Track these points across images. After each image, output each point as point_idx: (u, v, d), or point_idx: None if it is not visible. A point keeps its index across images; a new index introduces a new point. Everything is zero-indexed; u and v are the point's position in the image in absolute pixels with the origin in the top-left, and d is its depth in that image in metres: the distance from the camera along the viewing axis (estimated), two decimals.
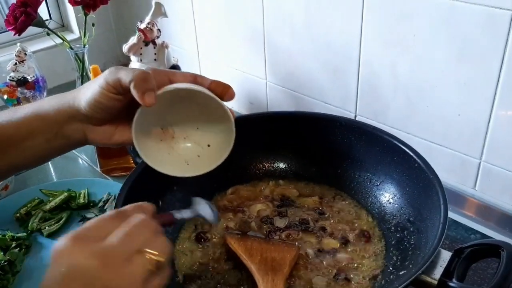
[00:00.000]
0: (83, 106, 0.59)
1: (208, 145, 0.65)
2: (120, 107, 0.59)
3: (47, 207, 0.94)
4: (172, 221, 0.59)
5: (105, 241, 0.44)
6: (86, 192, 0.98)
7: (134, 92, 0.54)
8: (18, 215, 0.93)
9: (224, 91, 0.61)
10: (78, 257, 0.42)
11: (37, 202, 0.96)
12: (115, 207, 0.66)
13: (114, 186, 0.98)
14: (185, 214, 0.61)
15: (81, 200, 0.96)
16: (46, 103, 0.61)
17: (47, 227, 0.90)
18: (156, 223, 0.49)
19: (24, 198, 0.96)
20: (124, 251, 0.44)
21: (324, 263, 0.70)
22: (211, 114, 0.62)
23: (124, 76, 0.55)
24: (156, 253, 0.45)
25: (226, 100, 0.62)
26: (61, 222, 0.91)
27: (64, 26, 1.49)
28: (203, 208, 0.63)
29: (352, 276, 0.68)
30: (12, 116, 0.61)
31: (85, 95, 0.59)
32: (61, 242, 0.44)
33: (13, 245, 0.85)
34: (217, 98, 0.60)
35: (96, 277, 0.42)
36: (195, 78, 0.61)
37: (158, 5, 1.12)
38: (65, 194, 0.97)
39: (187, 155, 0.64)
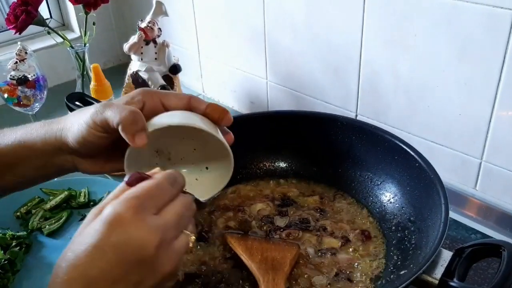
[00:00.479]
0: (70, 141, 0.57)
1: (207, 168, 0.62)
2: (108, 143, 0.57)
3: (48, 206, 0.94)
4: None
5: (161, 216, 0.44)
6: (87, 191, 0.98)
7: (123, 135, 0.53)
8: (18, 214, 0.93)
9: (221, 117, 0.58)
10: (139, 231, 0.41)
11: (37, 201, 0.96)
12: None
13: (115, 185, 0.96)
14: None
15: (82, 199, 0.96)
16: (33, 132, 0.59)
17: (47, 226, 0.90)
18: (195, 206, 0.50)
19: (24, 197, 0.96)
20: (178, 230, 0.45)
21: (325, 262, 0.70)
22: (209, 141, 0.59)
23: (112, 116, 0.53)
24: (194, 235, 0.47)
25: (223, 125, 0.59)
26: (61, 221, 0.91)
27: (64, 25, 1.49)
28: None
29: (352, 275, 0.68)
30: None
31: (71, 130, 0.57)
32: (121, 207, 0.42)
33: (13, 244, 0.86)
34: (215, 134, 0.57)
35: (153, 255, 0.41)
36: (189, 101, 0.58)
37: (159, 4, 1.12)
38: (66, 193, 0.97)
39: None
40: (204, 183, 0.62)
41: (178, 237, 0.45)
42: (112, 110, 0.53)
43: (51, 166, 0.59)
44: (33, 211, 0.94)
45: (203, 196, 0.61)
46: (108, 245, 0.41)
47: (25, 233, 0.89)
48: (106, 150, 0.59)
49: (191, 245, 0.47)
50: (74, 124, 0.57)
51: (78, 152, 0.58)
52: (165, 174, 0.48)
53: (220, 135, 0.58)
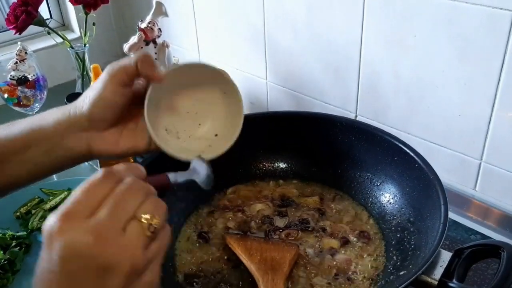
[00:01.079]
0: (86, 108, 0.57)
1: (216, 135, 0.67)
2: (124, 103, 0.58)
3: (47, 206, 0.94)
4: (166, 184, 0.54)
5: (96, 215, 0.41)
6: None
7: (142, 70, 0.55)
8: (18, 214, 0.93)
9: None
10: (71, 236, 0.39)
11: (37, 201, 0.96)
12: None
13: None
14: (180, 177, 0.56)
15: None
16: (48, 115, 0.60)
17: None
18: (147, 185, 0.45)
19: (24, 197, 0.96)
20: (117, 222, 0.41)
21: (324, 263, 0.70)
22: (214, 99, 0.65)
23: (127, 62, 0.56)
24: (149, 217, 0.42)
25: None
26: None
27: (65, 25, 1.49)
28: (199, 169, 0.60)
29: (352, 276, 0.68)
30: (10, 129, 0.59)
31: (87, 97, 0.58)
32: (50, 222, 0.40)
33: (13, 244, 0.86)
34: (220, 69, 0.63)
35: (94, 255, 0.39)
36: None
37: (159, 5, 1.12)
38: (65, 193, 0.97)
39: (197, 149, 0.64)
40: (217, 145, 0.66)
41: (126, 226, 0.41)
42: (125, 58, 0.57)
43: (62, 149, 0.58)
44: (33, 211, 0.94)
45: (218, 152, 0.64)
46: (53, 260, 0.39)
47: (25, 233, 0.89)
48: (120, 122, 0.60)
49: (149, 230, 0.42)
50: (90, 92, 0.58)
51: (92, 122, 0.58)
52: (102, 170, 0.45)
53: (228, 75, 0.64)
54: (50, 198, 0.97)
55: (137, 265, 0.41)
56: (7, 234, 0.87)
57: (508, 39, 0.75)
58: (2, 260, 0.81)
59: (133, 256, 0.40)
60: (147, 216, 0.42)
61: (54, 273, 0.39)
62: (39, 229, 0.90)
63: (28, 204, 0.95)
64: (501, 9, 0.74)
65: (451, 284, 0.57)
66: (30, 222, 0.91)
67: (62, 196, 0.96)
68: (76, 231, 0.39)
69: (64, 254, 0.38)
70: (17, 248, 0.85)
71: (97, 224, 0.40)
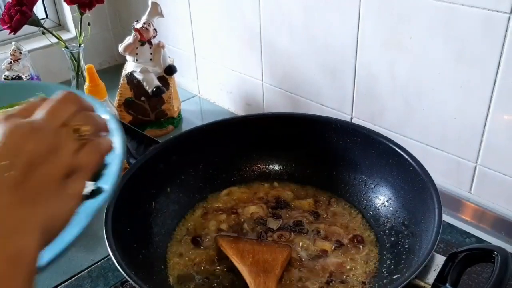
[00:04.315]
0: None
1: None
2: None
3: None
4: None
5: (32, 116, 0.42)
6: None
7: None
8: None
9: None
10: (11, 122, 0.40)
11: None
12: (107, 208, 0.65)
13: None
14: None
15: None
16: None
17: None
18: (84, 100, 0.46)
19: None
20: (51, 124, 0.42)
21: (318, 266, 0.69)
22: None
23: None
24: (79, 124, 0.44)
25: None
26: None
27: (60, 25, 1.49)
28: None
29: (345, 279, 0.67)
30: None
31: None
32: None
33: None
34: None
35: (28, 141, 0.40)
36: None
37: (155, 5, 1.11)
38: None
39: None
40: None
41: (56, 130, 0.42)
42: None
43: None
44: None
45: None
46: None
47: None
48: None
49: (77, 134, 0.44)
50: None
51: None
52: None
53: None
54: None
55: (63, 166, 0.42)
56: None
57: (504, 42, 0.75)
58: None
59: (60, 155, 0.42)
60: (77, 123, 0.44)
61: None
62: None
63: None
64: (497, 11, 0.73)
65: None
66: None
67: None
68: (16, 120, 0.41)
69: (2, 138, 0.39)
70: None
71: (33, 121, 0.42)
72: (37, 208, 0.39)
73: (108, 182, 0.47)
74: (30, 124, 0.41)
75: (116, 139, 0.50)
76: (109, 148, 0.46)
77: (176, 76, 1.22)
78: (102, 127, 0.46)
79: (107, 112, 0.56)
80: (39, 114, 0.43)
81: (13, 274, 0.36)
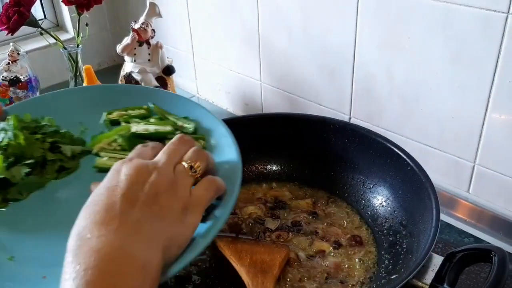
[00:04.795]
0: None
1: None
2: None
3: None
4: None
5: (154, 159, 0.50)
6: None
7: None
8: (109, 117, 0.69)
9: None
10: (138, 163, 0.47)
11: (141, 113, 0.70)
12: None
13: None
14: None
15: None
16: None
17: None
18: (191, 139, 0.54)
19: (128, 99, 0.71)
20: (169, 164, 0.49)
21: (316, 266, 0.69)
22: None
23: None
24: (191, 161, 0.50)
25: None
26: None
27: (58, 25, 1.48)
28: None
29: (343, 280, 0.67)
30: None
31: None
32: (119, 161, 0.49)
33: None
34: None
35: (151, 179, 0.46)
36: None
37: (153, 5, 1.11)
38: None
39: None
40: None
41: (174, 168, 0.49)
42: None
43: None
44: (122, 122, 0.68)
45: None
46: (118, 181, 0.46)
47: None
48: None
49: (191, 171, 0.49)
50: None
51: None
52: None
53: None
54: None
55: (183, 198, 0.47)
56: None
57: (501, 41, 0.75)
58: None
59: (179, 189, 0.47)
60: (189, 161, 0.50)
61: (117, 187, 0.45)
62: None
63: (127, 111, 0.69)
64: (494, 11, 0.73)
65: None
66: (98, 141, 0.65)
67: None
68: (141, 161, 0.48)
69: (131, 173, 0.46)
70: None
71: (155, 162, 0.49)
72: (162, 224, 0.44)
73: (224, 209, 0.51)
74: (153, 163, 0.48)
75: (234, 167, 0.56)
76: (222, 187, 0.52)
77: (174, 77, 1.22)
78: (212, 163, 0.53)
79: (227, 132, 0.62)
80: (158, 156, 0.50)
81: (143, 282, 0.40)
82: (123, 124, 0.66)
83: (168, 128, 0.64)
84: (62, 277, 0.39)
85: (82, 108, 0.68)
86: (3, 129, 0.59)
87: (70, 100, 0.70)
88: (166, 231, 0.45)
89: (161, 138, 0.62)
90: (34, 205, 0.56)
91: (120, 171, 0.47)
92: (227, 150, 0.60)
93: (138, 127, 0.64)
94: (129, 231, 0.42)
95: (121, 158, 0.52)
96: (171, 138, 0.57)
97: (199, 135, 0.64)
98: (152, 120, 0.66)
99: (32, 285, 0.47)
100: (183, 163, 0.50)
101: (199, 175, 0.50)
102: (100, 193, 0.45)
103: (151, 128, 0.64)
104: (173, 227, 0.45)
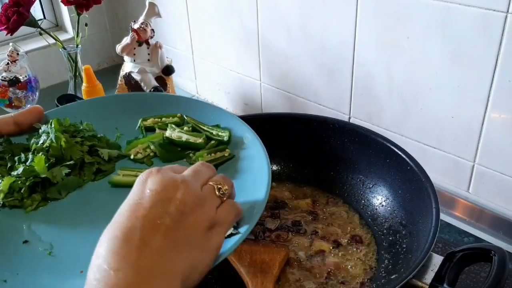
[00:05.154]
0: None
1: None
2: None
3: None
4: None
5: (181, 173, 0.48)
6: None
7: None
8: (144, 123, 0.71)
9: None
10: (165, 174, 0.46)
11: (175, 120, 0.71)
12: None
13: None
14: None
15: None
16: None
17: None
18: (214, 169, 0.53)
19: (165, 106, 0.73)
20: (196, 181, 0.47)
21: (316, 266, 0.69)
22: None
23: None
24: (218, 183, 0.49)
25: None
26: None
27: (58, 25, 1.48)
28: None
29: (343, 279, 0.67)
30: None
31: None
32: (145, 171, 0.47)
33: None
34: None
35: (178, 195, 0.44)
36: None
37: (152, 5, 1.11)
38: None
39: None
40: None
41: (201, 187, 0.48)
42: None
43: None
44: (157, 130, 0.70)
45: None
46: (143, 196, 0.45)
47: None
48: None
49: (219, 192, 0.49)
50: None
51: None
52: None
53: None
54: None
55: (209, 218, 0.45)
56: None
57: (501, 41, 0.75)
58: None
59: (206, 207, 0.46)
60: (217, 183, 0.49)
61: (140, 205, 0.43)
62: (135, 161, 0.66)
63: (162, 118, 0.71)
64: (494, 10, 0.73)
65: None
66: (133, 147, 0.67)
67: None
68: (169, 174, 0.46)
69: (156, 188, 0.44)
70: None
71: (183, 176, 0.47)
72: (182, 255, 0.42)
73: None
74: (181, 177, 0.46)
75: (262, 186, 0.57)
76: (241, 213, 0.51)
77: (174, 77, 1.22)
78: (233, 191, 0.52)
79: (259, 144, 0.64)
80: (186, 172, 0.49)
81: None
82: (158, 131, 0.68)
83: (200, 140, 0.66)
84: None
85: (118, 115, 0.71)
86: (45, 132, 0.62)
87: (106, 106, 0.73)
88: (188, 260, 0.43)
89: (192, 148, 0.65)
90: (72, 204, 0.59)
91: (146, 184, 0.45)
92: (255, 156, 0.63)
93: (172, 133, 0.67)
94: (148, 265, 0.40)
95: (136, 176, 0.53)
96: (201, 149, 0.63)
97: (223, 146, 0.66)
98: (185, 128, 0.68)
99: (69, 278, 0.49)
100: (211, 183, 0.49)
101: (225, 198, 0.49)
102: (123, 212, 0.43)
103: (184, 136, 0.66)
104: (196, 254, 0.44)
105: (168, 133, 0.67)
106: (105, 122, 0.69)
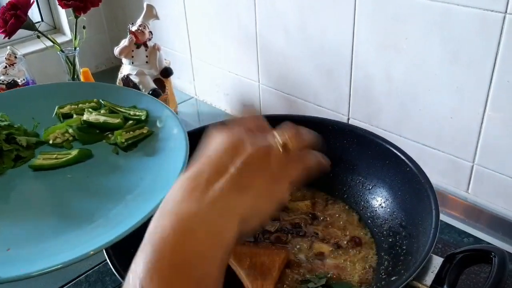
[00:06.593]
0: None
1: None
2: None
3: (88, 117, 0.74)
4: None
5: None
6: None
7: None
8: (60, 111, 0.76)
9: None
10: (229, 131, 0.47)
11: (90, 105, 0.76)
12: None
13: None
14: None
15: None
16: None
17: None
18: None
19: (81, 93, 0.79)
20: (263, 137, 0.48)
21: (315, 268, 0.69)
22: None
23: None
24: (283, 138, 0.49)
25: None
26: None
27: (56, 28, 1.48)
28: None
29: (343, 281, 0.67)
30: None
31: None
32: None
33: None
34: None
35: (243, 149, 0.46)
36: None
37: (150, 7, 1.11)
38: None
39: None
40: None
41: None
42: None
43: None
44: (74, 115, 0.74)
45: None
46: (209, 149, 0.47)
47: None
48: None
49: (282, 147, 0.48)
50: None
51: None
52: None
53: None
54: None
55: (273, 172, 0.46)
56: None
57: (499, 41, 0.75)
58: None
59: (272, 161, 0.47)
60: (282, 137, 0.49)
61: (209, 157, 0.46)
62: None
63: (78, 105, 0.76)
64: (492, 11, 0.73)
65: None
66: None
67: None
68: (237, 131, 0.48)
69: (224, 141, 0.46)
70: None
71: (249, 131, 0.49)
72: (243, 198, 0.45)
73: None
74: (248, 132, 0.48)
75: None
76: (314, 163, 0.51)
77: (172, 78, 1.21)
78: (305, 143, 0.52)
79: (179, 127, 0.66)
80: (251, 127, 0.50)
81: (212, 248, 0.42)
82: (75, 116, 0.72)
83: (118, 120, 0.69)
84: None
85: (34, 105, 0.74)
86: None
87: (23, 98, 0.76)
88: (249, 204, 0.45)
89: (110, 128, 0.68)
90: None
91: (215, 139, 0.47)
92: (175, 131, 0.65)
93: (89, 116, 0.70)
94: (209, 201, 0.43)
95: (56, 158, 0.56)
96: (119, 129, 0.65)
97: (141, 124, 0.69)
98: (102, 111, 0.72)
99: None
100: (277, 136, 0.49)
101: (291, 150, 0.49)
102: (193, 163, 0.46)
103: (102, 118, 0.70)
104: (257, 201, 0.46)
105: (85, 116, 0.70)
106: (21, 112, 0.72)
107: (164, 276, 0.39)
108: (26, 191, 0.62)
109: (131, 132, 0.67)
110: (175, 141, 0.63)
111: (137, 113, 0.71)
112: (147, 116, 0.70)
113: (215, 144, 0.47)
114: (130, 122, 0.70)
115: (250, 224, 0.46)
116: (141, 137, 0.66)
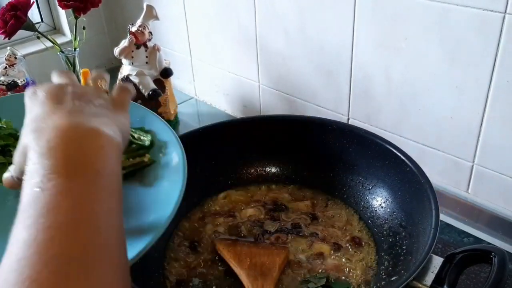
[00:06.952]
0: None
1: None
2: None
3: None
4: None
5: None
6: None
7: None
8: None
9: None
10: (44, 87, 0.48)
11: None
12: None
13: None
14: None
15: None
16: None
17: None
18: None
19: None
20: (74, 81, 0.52)
21: (316, 268, 0.69)
22: None
23: None
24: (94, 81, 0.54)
25: None
26: None
27: (56, 29, 1.48)
28: None
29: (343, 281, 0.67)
30: None
31: None
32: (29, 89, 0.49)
33: None
34: None
35: (67, 90, 0.47)
36: None
37: (149, 8, 1.11)
38: None
39: None
40: None
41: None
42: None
43: None
44: None
45: None
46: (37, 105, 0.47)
47: None
48: None
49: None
50: None
51: None
52: None
53: None
54: None
55: (103, 98, 0.49)
56: None
57: (499, 41, 0.75)
58: None
59: (99, 95, 0.50)
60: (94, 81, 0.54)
61: (42, 103, 0.46)
62: None
63: None
64: (491, 11, 0.73)
65: None
66: None
67: None
68: (54, 82, 0.51)
69: (47, 90, 0.47)
70: None
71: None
72: (114, 115, 0.48)
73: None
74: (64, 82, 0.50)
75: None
76: (132, 90, 0.55)
77: (172, 79, 1.21)
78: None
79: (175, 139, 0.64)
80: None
81: (111, 150, 0.43)
82: None
83: None
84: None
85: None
86: None
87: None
88: (117, 119, 0.48)
89: None
90: None
91: (36, 94, 0.47)
92: (174, 162, 0.61)
93: None
94: (80, 113, 0.44)
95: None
96: None
97: (143, 151, 0.64)
98: None
99: None
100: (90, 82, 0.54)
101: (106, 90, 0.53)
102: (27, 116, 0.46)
103: None
104: (118, 117, 0.48)
105: None
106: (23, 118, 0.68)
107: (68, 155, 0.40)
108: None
109: (131, 160, 0.61)
110: (174, 173, 0.58)
111: (142, 137, 0.65)
112: (152, 142, 0.64)
113: (39, 96, 0.47)
114: (133, 146, 0.63)
115: (123, 135, 0.48)
116: (140, 165, 0.61)
